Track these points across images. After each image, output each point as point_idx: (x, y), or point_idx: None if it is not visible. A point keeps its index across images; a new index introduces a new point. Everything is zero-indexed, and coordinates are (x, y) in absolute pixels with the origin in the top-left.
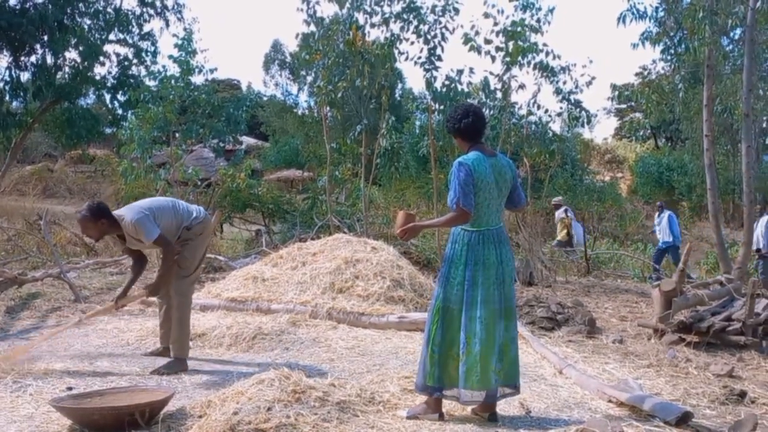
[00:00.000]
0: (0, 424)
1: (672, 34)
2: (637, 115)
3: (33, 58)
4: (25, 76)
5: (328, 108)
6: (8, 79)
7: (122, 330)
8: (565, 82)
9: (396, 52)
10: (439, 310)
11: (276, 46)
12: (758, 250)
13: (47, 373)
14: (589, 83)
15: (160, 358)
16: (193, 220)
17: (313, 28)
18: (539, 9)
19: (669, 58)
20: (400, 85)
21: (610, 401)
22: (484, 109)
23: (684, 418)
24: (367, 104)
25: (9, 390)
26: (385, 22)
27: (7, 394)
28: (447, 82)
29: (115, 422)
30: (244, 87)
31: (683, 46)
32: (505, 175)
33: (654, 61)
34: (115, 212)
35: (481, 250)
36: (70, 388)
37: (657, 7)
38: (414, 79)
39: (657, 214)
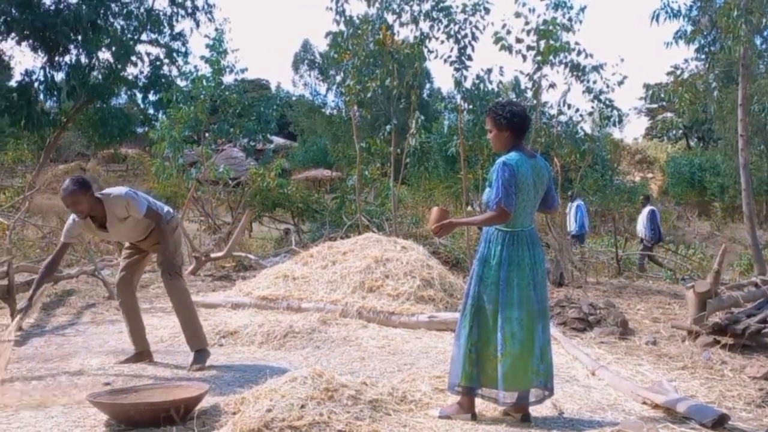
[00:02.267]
0: (38, 419)
1: (706, 32)
2: (669, 114)
3: (67, 58)
4: (59, 76)
5: (356, 107)
6: (43, 78)
7: (156, 327)
8: (595, 81)
9: (425, 50)
10: (473, 309)
11: (306, 46)
12: (641, 240)
13: (83, 368)
14: (620, 82)
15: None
16: (166, 213)
17: (342, 26)
18: (571, 8)
19: (703, 56)
20: (428, 85)
21: (644, 403)
22: None
23: (720, 421)
24: (396, 104)
25: (46, 386)
26: (414, 20)
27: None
28: (477, 81)
29: (150, 418)
30: (273, 87)
31: (717, 45)
32: (543, 177)
33: (686, 60)
34: (97, 194)
35: (516, 250)
36: (107, 384)
37: (691, 6)
38: (442, 79)
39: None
